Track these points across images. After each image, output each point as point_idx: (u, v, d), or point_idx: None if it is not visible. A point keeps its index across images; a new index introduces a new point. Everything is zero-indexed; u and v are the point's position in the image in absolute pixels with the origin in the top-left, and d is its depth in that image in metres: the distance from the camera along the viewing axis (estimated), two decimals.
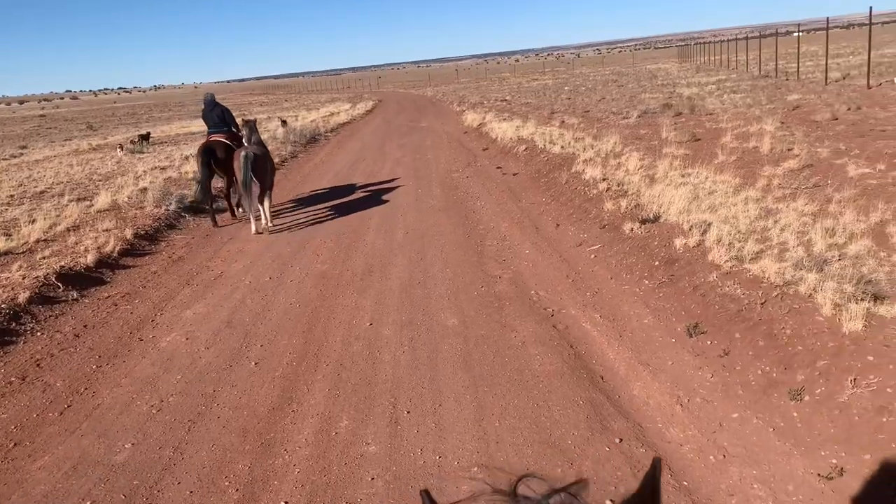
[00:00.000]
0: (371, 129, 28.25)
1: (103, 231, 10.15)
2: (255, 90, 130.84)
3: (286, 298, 7.14)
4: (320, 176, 15.74)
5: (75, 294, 7.74)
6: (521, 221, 9.49)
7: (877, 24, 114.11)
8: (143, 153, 23.83)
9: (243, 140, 10.72)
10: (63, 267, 8.27)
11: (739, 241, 6.26)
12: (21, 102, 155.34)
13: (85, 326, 6.83)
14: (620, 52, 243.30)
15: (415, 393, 4.85)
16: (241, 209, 11.06)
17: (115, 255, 9.14)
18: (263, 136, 14.58)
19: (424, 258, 8.19)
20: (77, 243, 9.49)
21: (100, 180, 17.03)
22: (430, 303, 6.60)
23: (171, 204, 11.75)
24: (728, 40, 54.93)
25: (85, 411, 5.04)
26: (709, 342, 4.99)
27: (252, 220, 10.35)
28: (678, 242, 6.55)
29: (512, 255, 7.95)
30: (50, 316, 7.08)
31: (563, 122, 19.52)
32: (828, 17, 24.26)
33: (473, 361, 5.23)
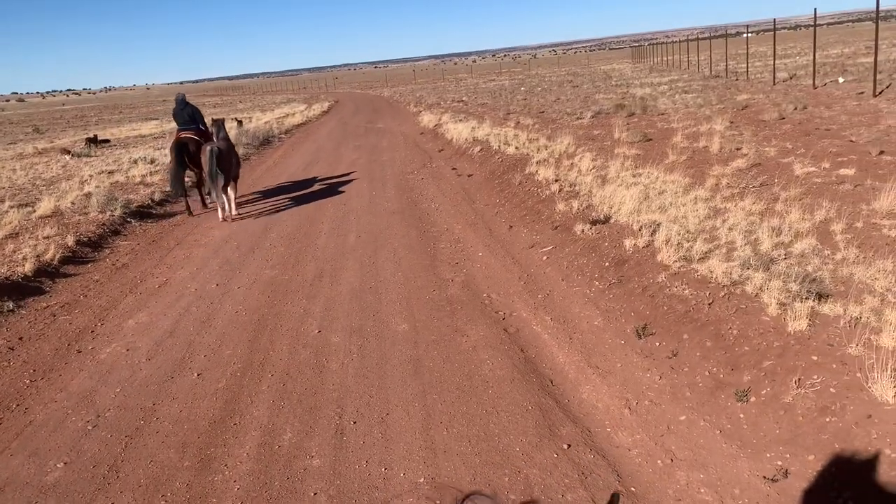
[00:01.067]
0: (327, 130, 27.97)
1: (43, 238, 9.78)
2: (208, 91, 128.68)
3: (233, 306, 6.95)
4: (273, 178, 15.47)
5: (11, 305, 7.41)
6: (475, 223, 9.43)
7: (822, 25, 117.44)
8: (91, 157, 23.17)
9: (212, 137, 11.65)
10: None
11: (688, 242, 6.29)
12: None
13: (20, 339, 6.54)
14: (576, 52, 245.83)
15: (362, 402, 4.72)
16: (209, 198, 11.97)
17: (55, 263, 8.80)
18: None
19: (376, 262, 8.07)
20: (15, 251, 9.12)
21: (44, 185, 16.47)
22: (381, 308, 6.48)
23: (116, 209, 11.39)
24: (680, 41, 55.92)
25: (15, 429, 4.79)
26: (657, 343, 4.98)
27: (219, 208, 11.22)
28: (628, 243, 6.55)
29: (465, 257, 7.88)
30: None
31: (519, 122, 19.56)
32: (774, 19, 24.83)
33: (423, 368, 5.14)
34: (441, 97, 38.94)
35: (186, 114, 12.17)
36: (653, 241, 6.47)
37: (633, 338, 5.16)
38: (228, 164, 11.09)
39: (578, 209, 8.29)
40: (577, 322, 5.65)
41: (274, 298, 7.07)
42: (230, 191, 11.34)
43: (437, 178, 13.44)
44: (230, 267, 8.46)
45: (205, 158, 10.78)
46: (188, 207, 12.04)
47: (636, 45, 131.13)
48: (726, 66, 32.22)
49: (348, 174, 15.10)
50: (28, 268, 8.32)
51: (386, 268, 7.80)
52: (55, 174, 18.82)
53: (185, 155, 11.51)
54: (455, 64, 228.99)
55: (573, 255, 7.10)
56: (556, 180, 9.92)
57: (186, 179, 12.20)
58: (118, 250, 9.79)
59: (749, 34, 53.01)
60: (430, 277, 7.26)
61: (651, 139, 13.47)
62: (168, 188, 12.66)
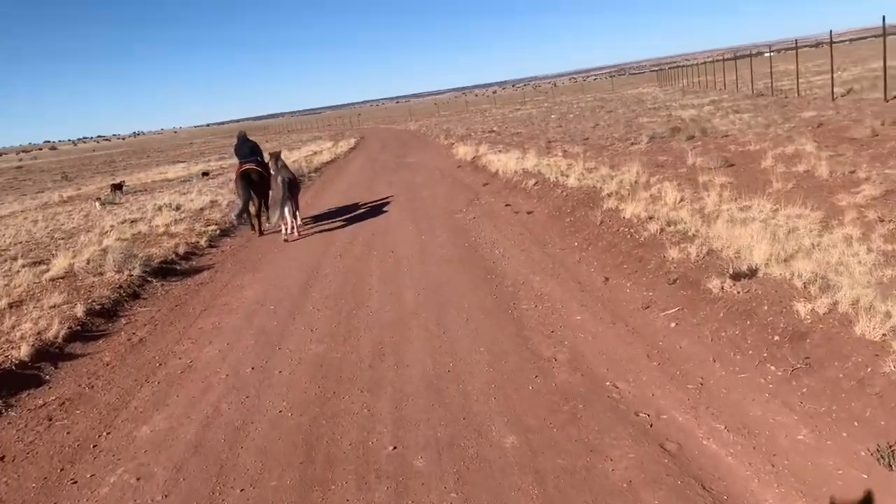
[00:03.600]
0: (357, 166, 26.60)
1: (49, 308, 8.28)
2: (233, 132, 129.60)
3: (274, 403, 5.31)
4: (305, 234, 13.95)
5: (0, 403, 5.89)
6: (557, 274, 7.75)
7: (845, 41, 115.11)
8: (115, 204, 21.98)
9: (270, 168, 12.82)
10: None
11: (886, 304, 4.56)
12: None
13: (2, 458, 4.96)
14: (596, 79, 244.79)
15: None
16: (267, 225, 13.14)
17: (59, 341, 7.26)
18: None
19: (446, 330, 6.41)
20: (14, 327, 7.61)
21: (62, 238, 15.18)
22: (471, 407, 4.79)
23: (135, 268, 9.89)
24: (702, 63, 54.33)
25: None
26: None
27: (283, 228, 12.26)
28: (801, 308, 4.81)
29: (560, 323, 6.19)
30: None
31: (566, 151, 17.96)
32: (831, 31, 23.01)
33: None
34: (469, 128, 37.58)
35: (247, 148, 13.17)
36: (836, 303, 4.73)
37: (878, 467, 3.42)
38: (296, 190, 12.37)
39: (698, 256, 6.57)
40: (770, 435, 3.90)
41: (325, 390, 5.42)
42: (298, 214, 12.53)
43: (491, 217, 11.82)
44: (268, 340, 6.85)
45: (275, 186, 12.12)
46: (256, 228, 13.06)
47: (656, 69, 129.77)
48: (772, 83, 30.45)
49: (388, 214, 13.54)
50: (25, 351, 6.78)
51: (461, 340, 6.13)
52: (76, 225, 17.58)
53: (249, 184, 12.44)
54: (476, 95, 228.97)
55: (716, 322, 5.37)
56: (651, 218, 8.22)
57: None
58: (135, 320, 8.25)
59: (771, 53, 51.34)
60: (523, 355, 5.58)
61: (733, 164, 11.75)
62: (232, 216, 13.77)
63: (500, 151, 20.35)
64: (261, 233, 13.02)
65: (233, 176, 15.11)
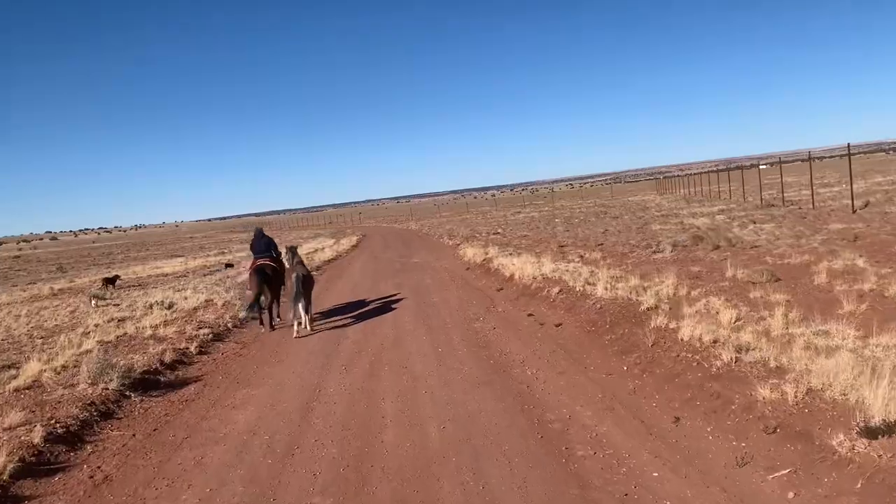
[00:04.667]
0: (359, 265, 25.56)
1: (2, 431, 6.93)
2: (235, 228, 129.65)
3: None
4: (308, 334, 12.68)
5: None
6: (611, 407, 6.45)
7: (835, 156, 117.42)
8: (106, 300, 20.73)
9: (285, 263, 13.05)
10: None
11: None
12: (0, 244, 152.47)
13: None
14: (592, 185, 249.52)
15: None
16: (276, 321, 12.89)
17: (4, 478, 5.88)
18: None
19: (487, 487, 5.06)
20: None
21: (41, 337, 13.86)
22: None
23: (111, 380, 8.56)
24: (697, 174, 54.80)
25: None
26: None
27: (295, 325, 11.93)
28: None
29: (633, 481, 4.86)
30: None
31: (583, 256, 16.98)
32: (849, 144, 22.60)
33: None
34: (473, 229, 36.99)
35: (263, 243, 13.37)
36: None
37: None
38: (310, 286, 12.24)
39: (796, 397, 5.33)
40: None
41: None
42: (310, 309, 12.27)
43: (513, 329, 10.61)
44: (259, 491, 5.48)
45: (290, 282, 11.86)
46: (266, 324, 12.75)
47: (651, 178, 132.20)
48: (782, 194, 30.03)
49: (398, 320, 12.32)
50: None
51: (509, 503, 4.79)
52: (59, 322, 16.28)
53: (263, 279, 12.46)
54: (475, 197, 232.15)
55: (854, 497, 4.07)
56: (717, 342, 7.01)
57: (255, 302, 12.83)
58: (104, 448, 6.85)
59: (763, 166, 51.77)
60: None
61: (779, 278, 10.67)
62: (242, 313, 13.63)
63: (510, 255, 19.39)
64: (271, 328, 12.69)
65: (244, 275, 15.29)
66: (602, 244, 20.04)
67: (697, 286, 10.68)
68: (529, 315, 11.56)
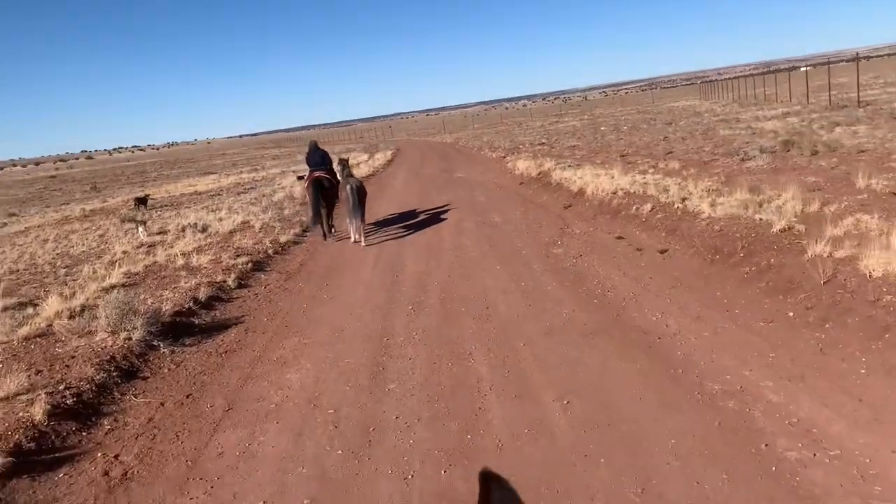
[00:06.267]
0: (401, 182, 23.67)
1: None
2: (266, 144, 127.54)
3: None
4: (359, 263, 10.94)
5: None
6: (801, 376, 4.58)
7: (883, 55, 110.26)
8: (137, 221, 19.28)
9: (338, 175, 13.05)
10: None
11: None
12: (37, 164, 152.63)
13: None
14: (627, 93, 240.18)
15: None
16: (330, 235, 12.95)
17: None
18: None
19: (649, 494, 3.37)
20: None
21: (65, 267, 12.42)
22: None
23: (135, 328, 6.98)
24: (736, 77, 51.16)
25: None
26: None
27: (352, 234, 12.20)
28: None
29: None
30: None
31: (657, 167, 14.85)
32: None
33: None
34: (513, 141, 34.58)
35: (318, 156, 13.15)
36: None
37: None
38: (363, 196, 12.09)
39: None
40: None
41: None
42: (363, 221, 12.15)
43: (605, 256, 8.76)
44: (332, 494, 3.86)
45: (344, 194, 11.96)
46: (324, 234, 12.83)
47: (688, 83, 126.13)
48: (858, 94, 27.04)
49: (461, 247, 10.52)
50: None
51: None
52: (87, 248, 14.85)
53: (320, 190, 12.49)
54: (507, 108, 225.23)
55: None
56: None
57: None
58: (124, 426, 5.28)
59: (805, 68, 47.79)
60: None
61: None
62: (309, 223, 13.79)
63: (570, 167, 17.31)
64: (325, 237, 12.85)
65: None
66: (671, 152, 17.80)
67: (828, 201, 8.64)
68: (619, 238, 9.67)
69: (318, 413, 5.09)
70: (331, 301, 8.33)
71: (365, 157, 40.02)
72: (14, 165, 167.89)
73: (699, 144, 18.93)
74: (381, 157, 37.84)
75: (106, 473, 4.52)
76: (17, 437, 4.82)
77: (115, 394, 5.86)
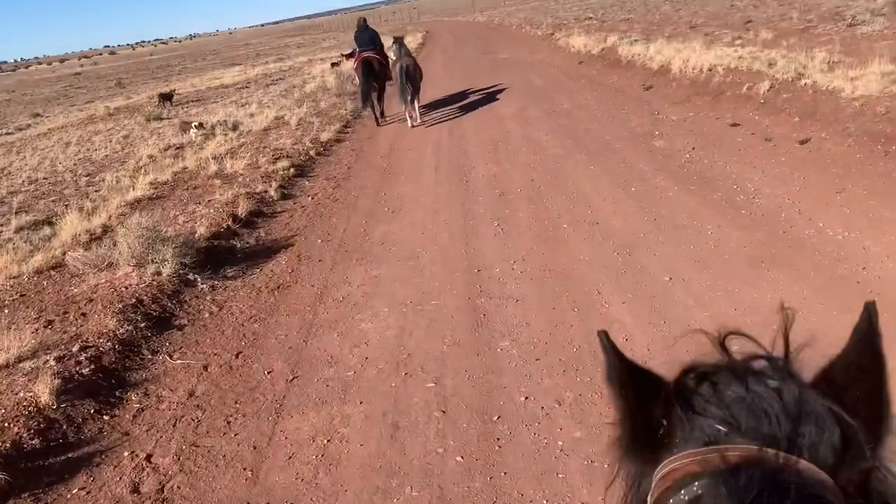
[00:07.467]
0: (439, 67, 21.39)
1: None
2: (289, 31, 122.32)
3: None
4: (417, 165, 9.29)
5: None
6: None
7: None
8: (162, 119, 17.70)
9: (392, 55, 11.89)
10: None
11: None
12: (62, 61, 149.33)
13: None
14: None
15: None
16: (382, 119, 12.18)
17: None
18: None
19: None
20: None
21: (87, 175, 11.06)
22: None
23: (165, 261, 5.58)
24: None
25: None
26: None
27: (407, 116, 11.35)
28: None
29: None
30: None
31: (747, 38, 12.64)
32: None
33: None
34: (555, 17, 31.57)
35: (367, 36, 12.27)
36: None
37: None
38: (415, 77, 11.27)
39: None
40: None
41: None
42: (416, 101, 11.52)
43: (730, 149, 7.01)
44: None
45: (395, 73, 11.23)
46: (376, 119, 12.14)
47: None
48: None
49: (536, 140, 8.81)
50: None
51: None
52: (111, 152, 13.41)
53: (370, 71, 11.61)
54: None
55: None
56: None
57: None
58: (156, 409, 3.94)
59: None
60: None
61: None
62: (358, 106, 12.97)
63: (637, 42, 15.07)
64: (378, 122, 12.13)
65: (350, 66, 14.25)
66: (749, 21, 15.39)
67: None
68: (734, 126, 7.86)
69: (413, 387, 3.69)
70: (394, 216, 6.81)
71: (391, 41, 37.22)
72: (39, 63, 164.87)
73: (780, 11, 16.42)
74: (410, 41, 35.05)
75: (136, 489, 3.22)
76: (15, 429, 3.54)
77: (145, 352, 4.53)
